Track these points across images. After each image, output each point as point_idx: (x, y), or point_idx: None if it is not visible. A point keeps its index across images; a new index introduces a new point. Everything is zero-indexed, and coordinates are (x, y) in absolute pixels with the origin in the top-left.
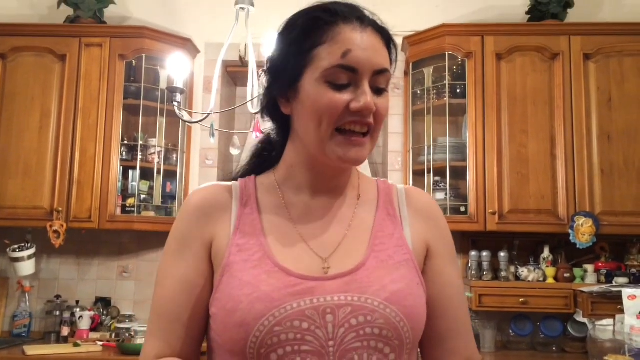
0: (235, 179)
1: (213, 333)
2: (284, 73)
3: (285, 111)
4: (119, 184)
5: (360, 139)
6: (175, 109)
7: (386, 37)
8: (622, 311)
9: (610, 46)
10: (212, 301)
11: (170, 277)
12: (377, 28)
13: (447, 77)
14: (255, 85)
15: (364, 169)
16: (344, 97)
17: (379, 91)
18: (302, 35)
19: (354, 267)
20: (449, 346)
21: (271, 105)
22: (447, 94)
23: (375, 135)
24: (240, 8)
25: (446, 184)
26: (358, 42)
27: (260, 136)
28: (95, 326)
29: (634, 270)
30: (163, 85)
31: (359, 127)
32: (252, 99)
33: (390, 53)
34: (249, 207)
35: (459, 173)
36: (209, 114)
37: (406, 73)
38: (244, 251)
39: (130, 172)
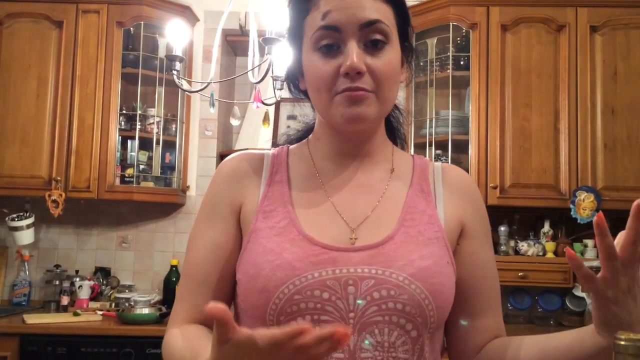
0: (290, 143)
1: (238, 298)
2: (292, 50)
3: (302, 87)
4: (118, 154)
5: (358, 93)
6: (175, 77)
7: None
8: None
9: (617, 18)
10: (238, 266)
11: (200, 241)
12: None
13: (451, 48)
14: (256, 54)
15: None
16: (334, 62)
17: (375, 46)
18: (293, 10)
19: (381, 240)
20: (477, 324)
21: (295, 81)
22: (450, 66)
23: (381, 95)
24: None
25: (448, 157)
26: (337, 3)
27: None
28: (95, 296)
29: None
30: (162, 53)
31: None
32: (253, 68)
33: (392, 4)
34: (279, 175)
35: (461, 146)
36: (209, 83)
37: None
38: (270, 218)
39: (129, 142)
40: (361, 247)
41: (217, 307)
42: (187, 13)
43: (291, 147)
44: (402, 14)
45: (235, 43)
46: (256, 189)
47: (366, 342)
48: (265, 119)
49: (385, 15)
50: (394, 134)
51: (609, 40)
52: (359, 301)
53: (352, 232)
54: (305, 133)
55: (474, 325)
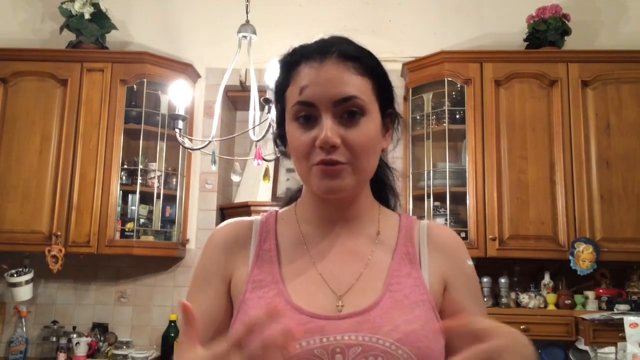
0: (282, 205)
1: None
2: (277, 116)
3: (288, 151)
4: (119, 208)
5: (333, 168)
6: (177, 135)
7: (360, 62)
8: (624, 339)
9: (608, 73)
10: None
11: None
12: (344, 56)
13: (447, 102)
14: (257, 112)
15: None
16: (311, 134)
17: (351, 118)
18: (277, 80)
19: (367, 307)
20: None
21: (282, 142)
22: (446, 120)
23: (357, 166)
24: (243, 36)
25: (446, 209)
26: (313, 77)
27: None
28: (92, 353)
29: (634, 297)
30: (164, 110)
31: (328, 163)
32: (254, 127)
33: (372, 77)
34: (267, 243)
35: (459, 198)
36: (210, 141)
37: (405, 99)
38: (259, 288)
39: (130, 196)
40: (348, 314)
41: (189, 305)
42: (189, 70)
43: (280, 211)
44: (382, 85)
45: (235, 98)
46: (245, 258)
47: None
48: (266, 174)
49: (362, 89)
50: (385, 192)
51: (600, 94)
52: None
53: (338, 299)
54: (297, 193)
55: None
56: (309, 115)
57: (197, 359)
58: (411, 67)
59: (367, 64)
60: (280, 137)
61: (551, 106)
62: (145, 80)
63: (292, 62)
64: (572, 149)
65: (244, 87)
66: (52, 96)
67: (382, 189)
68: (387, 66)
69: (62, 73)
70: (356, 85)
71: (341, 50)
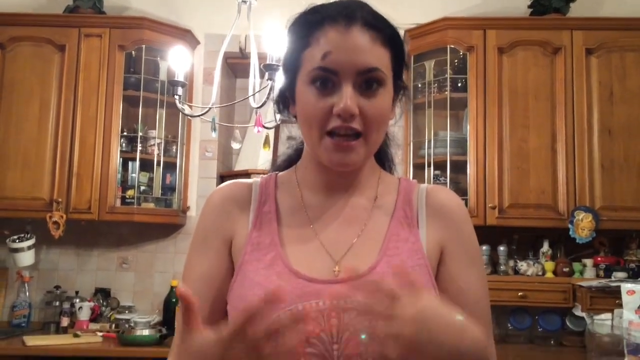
0: (277, 170)
1: None
2: (286, 75)
3: (292, 112)
4: (119, 175)
5: (347, 142)
6: (177, 102)
7: (383, 33)
8: (620, 306)
9: (612, 41)
10: (228, 298)
11: (194, 273)
12: (369, 25)
13: (449, 70)
14: (257, 78)
15: None
16: (328, 101)
17: (369, 88)
18: (294, 39)
19: (364, 271)
20: None
21: (286, 104)
22: (448, 88)
23: (369, 139)
24: (242, 1)
25: (446, 177)
26: (339, 43)
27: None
28: (95, 317)
29: (632, 265)
30: (163, 76)
31: (344, 131)
32: (254, 94)
33: (391, 47)
34: (267, 206)
35: (459, 167)
36: (210, 108)
37: (407, 66)
38: (258, 250)
39: (130, 163)
40: (344, 278)
41: (187, 291)
42: (188, 36)
43: (279, 174)
44: (399, 56)
45: (235, 65)
46: (245, 220)
47: None
48: (266, 142)
49: (383, 61)
50: (382, 157)
51: (604, 62)
52: (362, 336)
53: (335, 264)
54: (296, 155)
55: None
56: (326, 81)
57: (203, 344)
58: (413, 34)
59: (389, 35)
60: (285, 100)
61: (554, 74)
62: (143, 46)
63: (313, 21)
64: (574, 117)
65: (243, 54)
66: (50, 62)
67: (380, 155)
68: None
69: (59, 38)
70: (379, 57)
71: (367, 18)
